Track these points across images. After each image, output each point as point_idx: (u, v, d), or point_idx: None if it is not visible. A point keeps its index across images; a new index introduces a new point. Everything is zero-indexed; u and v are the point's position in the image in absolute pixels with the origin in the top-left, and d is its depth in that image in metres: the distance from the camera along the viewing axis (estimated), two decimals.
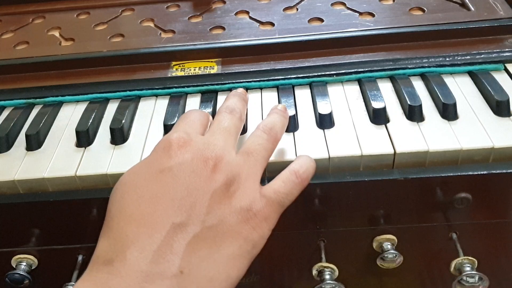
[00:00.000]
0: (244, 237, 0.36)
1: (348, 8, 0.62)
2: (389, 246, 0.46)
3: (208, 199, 0.35)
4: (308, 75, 0.53)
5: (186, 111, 0.51)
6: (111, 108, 0.52)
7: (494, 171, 0.42)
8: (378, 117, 0.46)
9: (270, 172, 0.42)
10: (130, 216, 0.34)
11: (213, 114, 0.50)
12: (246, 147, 0.40)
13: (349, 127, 0.46)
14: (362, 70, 0.52)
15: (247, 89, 0.53)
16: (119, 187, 0.37)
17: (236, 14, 0.65)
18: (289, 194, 0.39)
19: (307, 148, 0.44)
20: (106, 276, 0.32)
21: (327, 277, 0.45)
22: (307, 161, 0.41)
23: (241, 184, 0.37)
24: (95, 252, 0.34)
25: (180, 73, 0.55)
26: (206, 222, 0.34)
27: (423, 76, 0.52)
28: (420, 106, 0.47)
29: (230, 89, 0.53)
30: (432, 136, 0.44)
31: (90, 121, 0.49)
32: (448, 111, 0.46)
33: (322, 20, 0.61)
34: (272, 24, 0.61)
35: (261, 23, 0.62)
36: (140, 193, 0.35)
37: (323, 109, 0.48)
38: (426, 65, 0.52)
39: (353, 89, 0.51)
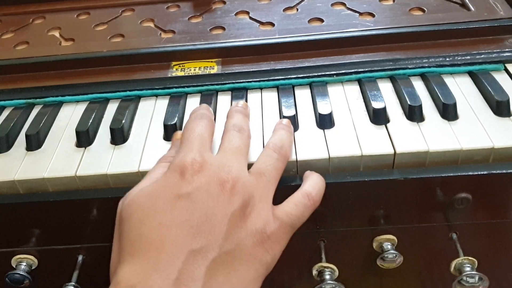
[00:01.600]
0: (259, 261, 0.36)
1: (348, 8, 0.62)
2: (389, 246, 0.46)
3: (226, 224, 0.35)
4: (308, 75, 0.53)
5: (186, 111, 0.51)
6: (111, 108, 0.52)
7: (494, 171, 0.42)
8: (378, 117, 0.46)
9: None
10: (151, 243, 0.34)
11: (213, 114, 0.50)
12: (258, 168, 0.40)
13: (349, 127, 0.46)
14: (362, 70, 0.52)
15: (247, 89, 0.53)
16: (137, 209, 0.37)
17: (236, 14, 0.65)
18: (301, 216, 0.39)
19: (307, 148, 0.44)
20: None
21: (327, 277, 0.45)
22: (318, 182, 0.41)
23: (255, 206, 0.37)
24: (116, 277, 0.34)
25: (180, 73, 0.55)
26: (224, 247, 0.35)
27: (423, 76, 0.52)
28: (420, 106, 0.47)
29: (230, 89, 0.53)
30: (432, 136, 0.44)
31: (90, 121, 0.49)
32: (448, 111, 0.46)
33: (322, 20, 0.61)
34: (272, 24, 0.61)
35: (261, 23, 0.62)
36: (160, 219, 0.35)
37: (323, 109, 0.48)
38: (426, 65, 0.52)
39: (353, 89, 0.51)
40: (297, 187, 0.42)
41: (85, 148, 0.48)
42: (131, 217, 0.36)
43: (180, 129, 0.48)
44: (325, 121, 0.47)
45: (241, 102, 0.48)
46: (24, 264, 0.48)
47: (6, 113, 0.53)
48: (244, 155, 0.40)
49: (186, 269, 0.33)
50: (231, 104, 0.51)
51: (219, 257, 0.34)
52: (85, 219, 0.45)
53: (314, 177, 0.42)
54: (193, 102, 0.52)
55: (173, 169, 0.37)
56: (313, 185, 0.41)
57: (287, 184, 0.42)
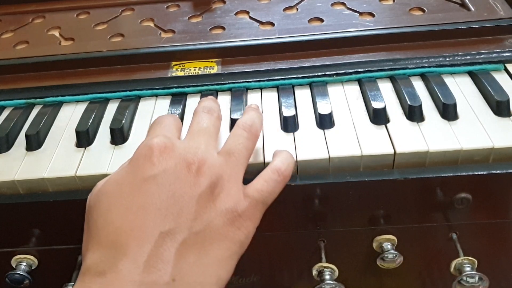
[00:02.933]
0: (230, 239, 0.36)
1: (348, 8, 0.62)
2: (389, 246, 0.46)
3: (194, 205, 0.35)
4: (308, 75, 0.53)
5: (186, 111, 0.51)
6: (111, 108, 0.52)
7: (494, 171, 0.42)
8: (378, 117, 0.46)
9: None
10: (119, 228, 0.34)
11: None
12: (228, 147, 0.40)
13: (349, 127, 0.46)
14: (362, 70, 0.52)
15: (247, 89, 0.53)
16: (102, 197, 0.37)
17: (236, 14, 0.65)
18: (272, 192, 0.39)
19: (307, 148, 0.44)
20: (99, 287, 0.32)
21: (327, 277, 0.45)
22: (287, 158, 0.41)
23: (224, 186, 0.37)
24: (84, 263, 0.34)
25: (180, 73, 0.55)
26: (193, 228, 0.35)
27: (423, 76, 0.52)
28: (420, 106, 0.47)
29: (230, 89, 0.53)
30: (432, 136, 0.44)
31: (90, 121, 0.49)
32: (448, 111, 0.46)
33: (322, 20, 0.61)
34: (272, 24, 0.61)
35: (261, 23, 0.62)
36: (126, 204, 0.35)
37: (323, 109, 0.48)
38: (426, 65, 0.52)
39: (353, 89, 0.51)
40: (297, 187, 0.42)
41: (85, 148, 0.48)
42: (98, 205, 0.37)
43: None
44: (325, 121, 0.47)
45: (210, 96, 0.48)
46: (24, 264, 0.48)
47: (6, 113, 0.53)
48: (213, 136, 0.41)
49: (155, 251, 0.33)
50: (231, 104, 0.50)
51: (188, 238, 0.34)
52: None
53: (283, 153, 0.42)
54: (193, 102, 0.52)
55: (139, 152, 0.37)
56: (282, 161, 0.41)
57: (287, 184, 0.42)
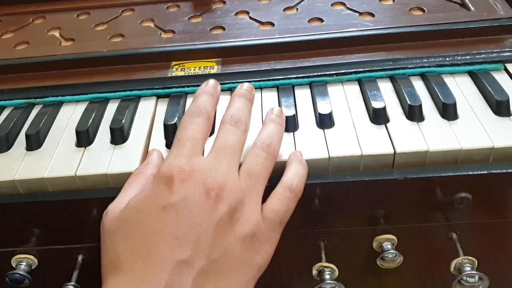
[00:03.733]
0: (249, 264, 0.36)
1: (348, 8, 0.62)
2: (389, 246, 0.46)
3: (212, 232, 0.35)
4: (308, 75, 0.53)
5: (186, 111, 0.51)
6: (111, 108, 0.52)
7: (494, 171, 0.42)
8: (378, 117, 0.46)
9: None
10: (137, 255, 0.35)
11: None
12: (247, 168, 0.39)
13: (349, 127, 0.46)
14: (362, 70, 0.52)
15: None
16: (122, 223, 0.37)
17: (236, 14, 0.65)
18: (287, 210, 0.39)
19: (307, 148, 0.44)
20: None
21: (327, 277, 0.45)
22: (298, 172, 0.41)
23: (244, 210, 0.37)
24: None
25: (180, 73, 0.55)
26: (211, 256, 0.35)
27: (423, 76, 0.52)
28: (420, 106, 0.47)
29: (230, 89, 0.53)
30: (432, 136, 0.44)
31: (90, 121, 0.49)
32: (448, 111, 0.46)
33: (322, 20, 0.61)
34: (272, 24, 0.61)
35: (261, 23, 0.62)
36: (144, 231, 0.35)
37: (323, 109, 0.48)
38: (426, 65, 0.52)
39: (353, 89, 0.51)
40: None
41: (85, 148, 0.48)
42: (117, 231, 0.37)
43: None
44: (325, 121, 0.47)
45: (246, 84, 0.45)
46: (24, 264, 0.47)
47: (6, 113, 0.53)
48: (237, 153, 0.39)
49: (173, 280, 0.33)
50: None
51: (206, 266, 0.34)
52: (85, 219, 0.45)
53: (294, 166, 0.41)
54: None
55: (159, 179, 0.37)
56: (292, 177, 0.40)
57: None
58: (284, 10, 0.64)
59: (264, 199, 0.39)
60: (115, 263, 0.35)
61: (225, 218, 0.36)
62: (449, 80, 0.50)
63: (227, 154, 0.39)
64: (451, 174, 0.42)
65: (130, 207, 0.37)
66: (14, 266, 0.48)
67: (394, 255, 0.46)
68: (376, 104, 0.47)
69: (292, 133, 0.46)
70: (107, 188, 0.45)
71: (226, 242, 0.35)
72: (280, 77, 0.53)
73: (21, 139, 0.49)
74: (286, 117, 0.47)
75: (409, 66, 0.52)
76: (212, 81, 0.44)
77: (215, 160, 0.38)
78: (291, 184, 0.40)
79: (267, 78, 0.53)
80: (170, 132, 0.47)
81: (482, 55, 0.52)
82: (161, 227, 0.35)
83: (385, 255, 0.46)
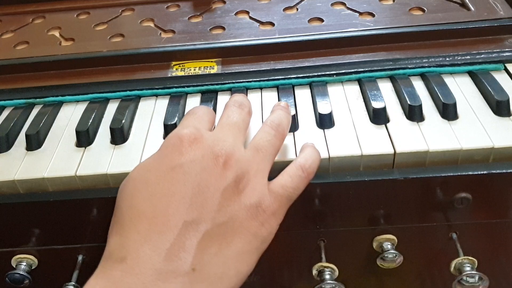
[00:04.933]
0: (253, 233, 0.36)
1: (348, 8, 0.62)
2: (389, 246, 0.46)
3: (218, 197, 0.35)
4: (308, 75, 0.53)
5: (186, 111, 0.51)
6: (111, 108, 0.52)
7: (494, 171, 0.42)
8: (378, 117, 0.46)
9: (270, 172, 0.42)
10: (142, 213, 0.34)
11: None
12: (255, 143, 0.40)
13: (349, 127, 0.46)
14: (362, 70, 0.52)
15: (247, 89, 0.53)
16: (129, 182, 0.37)
17: (236, 14, 0.65)
18: (296, 188, 0.39)
19: None
20: (120, 274, 0.33)
21: (327, 277, 0.45)
22: (312, 154, 0.41)
23: (250, 181, 0.37)
24: (107, 248, 0.35)
25: (180, 73, 0.55)
26: (216, 219, 0.35)
27: (423, 76, 0.52)
28: (420, 106, 0.47)
29: (230, 89, 0.53)
30: (432, 136, 0.44)
31: (90, 121, 0.49)
32: (448, 111, 0.46)
33: (322, 20, 0.61)
34: (272, 24, 0.61)
35: (261, 23, 0.62)
36: (151, 190, 0.35)
37: (323, 109, 0.48)
38: (426, 65, 0.52)
39: (353, 89, 0.51)
40: None
41: (85, 148, 0.48)
42: (124, 189, 0.37)
43: None
44: (325, 121, 0.47)
45: (241, 93, 0.48)
46: (24, 264, 0.47)
47: (6, 113, 0.53)
48: (242, 131, 0.41)
49: (178, 240, 0.33)
50: None
51: (211, 229, 0.34)
52: (85, 219, 0.45)
53: (308, 149, 0.42)
54: (193, 102, 0.52)
55: (168, 141, 0.37)
56: (306, 157, 0.41)
57: None
58: (284, 10, 0.64)
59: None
60: (120, 222, 0.35)
61: (232, 185, 0.36)
62: (449, 80, 0.50)
63: (232, 129, 0.40)
64: (451, 174, 0.42)
65: (139, 167, 0.38)
66: (14, 266, 0.48)
67: (394, 255, 0.46)
68: (376, 104, 0.47)
69: (292, 133, 0.46)
70: (107, 188, 0.45)
71: (231, 208, 0.36)
72: (280, 77, 0.53)
73: (21, 139, 0.49)
74: None
75: (409, 66, 0.52)
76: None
77: (222, 132, 0.39)
78: (304, 164, 0.40)
79: (267, 78, 0.53)
80: (170, 132, 0.47)
81: (482, 55, 0.52)
82: (169, 186, 0.35)
83: (385, 255, 0.46)
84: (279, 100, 0.51)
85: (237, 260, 0.35)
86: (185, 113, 0.50)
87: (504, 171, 0.42)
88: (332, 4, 0.64)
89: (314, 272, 0.46)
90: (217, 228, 0.35)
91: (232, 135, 0.39)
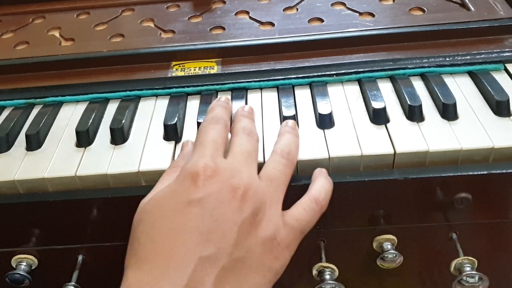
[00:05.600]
0: (267, 267, 0.36)
1: (348, 8, 0.62)
2: (389, 246, 0.46)
3: (236, 231, 0.35)
4: (308, 75, 0.53)
5: (186, 111, 0.51)
6: (111, 108, 0.52)
7: (494, 171, 0.42)
8: (378, 117, 0.46)
9: None
10: (160, 247, 0.34)
11: None
12: (268, 173, 0.39)
13: (349, 127, 0.46)
14: (362, 70, 0.52)
15: (247, 89, 0.53)
16: (147, 215, 0.37)
17: (236, 14, 0.65)
18: (310, 221, 0.39)
19: (307, 148, 0.44)
20: None
21: (327, 277, 0.45)
22: (325, 186, 0.41)
23: (266, 212, 0.37)
24: (125, 281, 0.35)
25: (180, 73, 0.55)
26: (233, 255, 0.35)
27: (423, 76, 0.52)
28: (420, 106, 0.47)
29: (230, 89, 0.53)
30: (432, 136, 0.44)
31: (90, 121, 0.49)
32: (448, 111, 0.46)
33: (322, 20, 0.61)
34: (272, 24, 0.61)
35: (261, 23, 0.62)
36: (169, 224, 0.35)
37: (323, 109, 0.48)
38: (426, 65, 0.52)
39: (353, 89, 0.51)
40: (297, 186, 0.42)
41: (85, 148, 0.48)
42: (142, 222, 0.37)
43: (181, 128, 0.48)
44: (325, 121, 0.47)
45: (247, 107, 0.47)
46: (24, 264, 0.47)
47: (6, 113, 0.53)
48: (254, 160, 0.40)
49: (196, 276, 0.33)
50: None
51: (228, 265, 0.34)
52: (85, 219, 0.45)
53: (321, 180, 0.41)
54: (193, 102, 0.52)
55: (185, 174, 0.37)
56: (319, 190, 0.41)
57: (292, 184, 0.42)
58: (284, 10, 0.64)
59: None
60: (137, 255, 0.35)
61: (250, 218, 0.36)
62: (449, 80, 0.50)
63: (246, 158, 0.39)
64: (451, 174, 0.42)
65: (155, 200, 0.37)
66: (14, 266, 0.48)
67: (394, 255, 0.46)
68: (376, 104, 0.47)
69: None
70: (107, 188, 0.45)
71: (249, 242, 0.36)
72: (280, 77, 0.53)
73: (21, 139, 0.49)
74: (286, 117, 0.47)
75: (409, 66, 0.52)
76: (224, 97, 0.47)
77: (237, 162, 0.39)
78: (318, 197, 0.40)
79: (267, 78, 0.53)
80: (170, 132, 0.48)
81: (482, 55, 0.52)
82: (186, 221, 0.35)
83: (385, 255, 0.46)
84: (279, 100, 0.51)
85: None
86: (185, 115, 0.51)
87: (504, 171, 0.42)
88: (332, 4, 0.64)
89: (314, 272, 0.46)
90: (234, 263, 0.35)
91: (247, 165, 0.39)
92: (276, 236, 0.37)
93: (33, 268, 0.48)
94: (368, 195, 0.44)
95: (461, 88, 0.50)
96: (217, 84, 0.53)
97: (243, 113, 0.46)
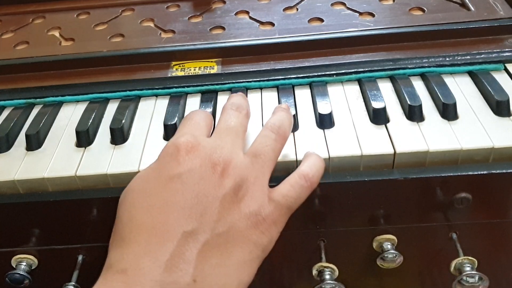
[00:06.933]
0: (253, 242, 0.36)
1: (348, 8, 0.62)
2: (389, 246, 0.46)
3: (217, 206, 0.35)
4: (308, 75, 0.53)
5: (186, 111, 0.51)
6: (111, 108, 0.52)
7: (494, 171, 0.42)
8: (378, 117, 0.46)
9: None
10: (142, 225, 0.34)
11: (213, 114, 0.50)
12: (254, 149, 0.39)
13: (349, 127, 0.46)
14: (362, 70, 0.52)
15: (247, 89, 0.53)
16: (128, 194, 0.37)
17: (236, 14, 0.65)
18: (298, 198, 0.39)
19: (307, 148, 0.44)
20: (121, 285, 0.32)
21: (327, 277, 0.45)
22: (316, 163, 0.41)
23: (249, 188, 0.37)
24: (108, 260, 0.34)
25: (180, 73, 0.55)
26: (216, 229, 0.35)
27: (423, 76, 0.52)
28: (420, 106, 0.47)
29: (230, 89, 0.53)
30: (432, 136, 0.44)
31: (90, 121, 0.49)
32: (448, 111, 0.46)
33: (322, 20, 0.61)
34: (272, 24, 0.61)
35: (261, 23, 0.62)
36: (150, 201, 0.35)
37: (323, 109, 0.48)
38: (426, 65, 0.52)
39: (353, 89, 0.51)
40: None
41: (85, 148, 0.48)
42: (123, 201, 0.37)
43: None
44: (325, 121, 0.47)
45: (240, 93, 0.47)
46: (24, 264, 0.48)
47: (6, 113, 0.53)
48: (240, 135, 0.40)
49: (178, 251, 0.33)
50: None
51: (211, 239, 0.34)
52: (85, 219, 0.45)
53: (312, 157, 0.41)
54: (193, 102, 0.52)
55: (166, 151, 0.37)
56: (310, 166, 0.40)
57: None
58: (284, 10, 0.64)
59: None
60: (120, 233, 0.35)
61: (231, 193, 0.36)
62: (449, 80, 0.50)
63: (230, 134, 0.39)
64: (451, 174, 0.42)
65: (137, 178, 0.38)
66: (14, 266, 0.48)
67: (394, 255, 0.46)
68: (376, 104, 0.47)
69: (292, 133, 0.46)
70: (107, 188, 0.45)
71: (231, 217, 0.35)
72: (280, 77, 0.53)
73: (21, 139, 0.49)
74: None
75: (409, 66, 0.52)
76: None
77: (219, 139, 0.39)
78: (307, 173, 0.39)
79: (267, 78, 0.53)
80: (170, 132, 0.47)
81: (482, 55, 0.52)
82: (167, 197, 0.35)
83: (385, 255, 0.46)
84: (279, 100, 0.51)
85: (238, 270, 0.35)
86: (184, 114, 0.51)
87: (504, 171, 0.42)
88: (332, 4, 0.64)
89: (314, 272, 0.46)
90: (217, 238, 0.34)
91: (230, 141, 0.39)
92: (261, 211, 0.36)
93: (33, 268, 0.48)
94: (368, 195, 0.44)
95: (461, 88, 0.50)
96: (217, 84, 0.53)
97: (235, 93, 0.46)
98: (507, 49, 0.53)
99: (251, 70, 0.54)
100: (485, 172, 0.42)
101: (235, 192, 0.36)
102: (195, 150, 0.36)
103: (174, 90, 0.53)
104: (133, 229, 0.34)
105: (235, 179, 0.36)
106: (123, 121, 0.49)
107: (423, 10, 0.60)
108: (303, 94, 0.51)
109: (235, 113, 0.42)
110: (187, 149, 0.36)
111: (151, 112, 0.52)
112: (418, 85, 0.50)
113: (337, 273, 0.46)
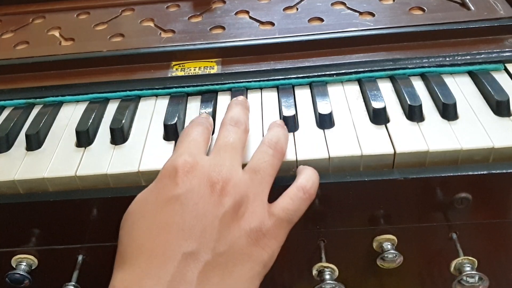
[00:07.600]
0: (254, 259, 0.36)
1: (348, 8, 0.62)
2: (389, 246, 0.46)
3: (217, 225, 0.35)
4: (308, 75, 0.52)
5: (186, 111, 0.51)
6: (111, 108, 0.52)
7: (494, 171, 0.42)
8: (378, 117, 0.46)
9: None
10: (142, 247, 0.34)
11: (213, 114, 0.50)
12: (253, 165, 0.39)
13: (349, 127, 0.46)
14: (362, 70, 0.52)
15: (247, 89, 0.53)
16: (128, 216, 0.37)
17: (236, 14, 0.65)
18: (297, 210, 0.39)
19: (307, 148, 0.44)
20: None
21: (327, 277, 0.45)
22: (312, 175, 0.41)
23: (249, 205, 0.37)
24: (112, 282, 0.35)
25: (180, 73, 0.55)
26: (216, 249, 0.35)
27: (423, 76, 0.52)
28: (420, 106, 0.47)
29: (230, 89, 0.53)
30: (432, 136, 0.44)
31: (90, 121, 0.49)
32: (448, 111, 0.46)
33: (322, 20, 0.61)
34: (272, 24, 0.61)
35: (261, 23, 0.62)
36: (149, 223, 0.35)
37: (323, 109, 0.48)
38: (426, 65, 0.52)
39: (353, 89, 0.51)
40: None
41: (85, 148, 0.48)
42: (124, 224, 0.37)
43: (181, 128, 0.48)
44: (325, 121, 0.47)
45: (241, 97, 0.47)
46: (24, 264, 0.48)
47: (6, 113, 0.53)
48: (239, 152, 0.40)
49: (179, 272, 0.33)
50: None
51: (212, 259, 0.34)
52: (85, 219, 0.45)
53: (307, 171, 0.41)
54: (193, 102, 0.52)
55: (164, 172, 0.37)
56: (307, 178, 0.40)
57: (286, 184, 0.42)
58: (284, 9, 0.64)
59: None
60: (122, 256, 0.35)
61: (230, 212, 0.36)
62: (449, 80, 0.50)
63: (229, 151, 0.39)
64: (451, 174, 0.42)
65: (135, 201, 0.38)
66: (14, 266, 0.48)
67: (394, 255, 0.46)
68: (376, 104, 0.47)
69: (292, 133, 0.46)
70: (107, 188, 0.45)
71: (232, 236, 0.35)
72: (280, 77, 0.53)
73: (21, 139, 0.49)
74: (286, 117, 0.47)
75: (409, 66, 0.52)
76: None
77: (218, 156, 0.39)
78: (305, 185, 0.40)
79: (267, 78, 0.53)
80: (170, 132, 0.47)
81: (482, 55, 0.52)
82: (166, 219, 0.35)
83: (385, 255, 0.46)
84: (279, 100, 0.51)
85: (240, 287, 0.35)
86: (185, 114, 0.51)
87: (504, 171, 0.42)
88: (332, 4, 0.64)
89: (314, 272, 0.46)
90: (218, 257, 0.34)
91: (229, 158, 0.38)
92: (262, 227, 0.36)
93: (33, 268, 0.48)
94: (368, 195, 0.44)
95: (461, 88, 0.50)
96: (217, 84, 0.53)
97: (236, 101, 0.46)
98: (507, 49, 0.53)
99: (251, 70, 0.54)
100: (485, 172, 0.42)
101: (235, 209, 0.36)
102: (193, 170, 0.36)
103: (174, 90, 0.53)
104: (134, 251, 0.35)
105: (235, 196, 0.36)
106: (123, 121, 0.49)
107: (423, 10, 0.60)
108: (303, 94, 0.51)
109: (233, 128, 0.41)
110: (185, 170, 0.36)
111: (151, 112, 0.52)
112: (418, 85, 0.50)
113: (337, 273, 0.46)
